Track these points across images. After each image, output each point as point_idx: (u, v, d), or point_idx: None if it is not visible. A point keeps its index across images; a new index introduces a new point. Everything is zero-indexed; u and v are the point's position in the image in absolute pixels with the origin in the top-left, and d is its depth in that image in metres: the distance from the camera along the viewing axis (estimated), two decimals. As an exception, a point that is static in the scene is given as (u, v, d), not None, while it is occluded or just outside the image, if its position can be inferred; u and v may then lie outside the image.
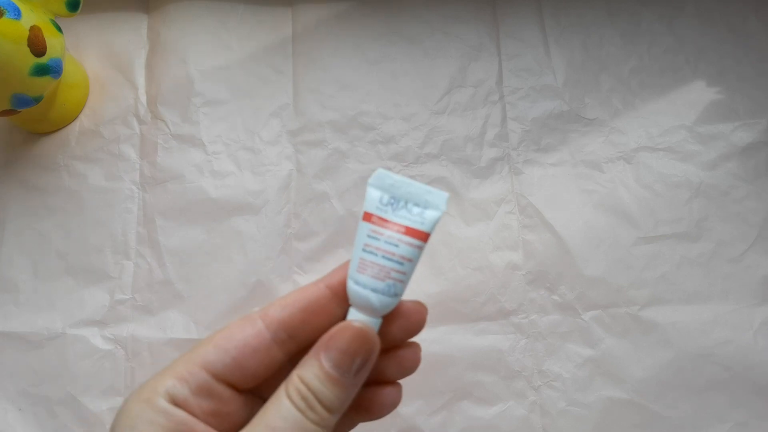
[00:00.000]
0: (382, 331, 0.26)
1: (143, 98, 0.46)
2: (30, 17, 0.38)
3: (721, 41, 0.45)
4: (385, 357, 0.27)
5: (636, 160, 0.43)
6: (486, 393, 0.40)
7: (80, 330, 0.42)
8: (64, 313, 0.42)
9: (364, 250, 0.24)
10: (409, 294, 0.41)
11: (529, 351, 0.40)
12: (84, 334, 0.42)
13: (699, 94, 0.44)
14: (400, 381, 0.28)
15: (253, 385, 0.26)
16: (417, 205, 0.25)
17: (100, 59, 0.47)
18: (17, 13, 0.37)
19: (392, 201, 0.25)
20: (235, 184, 0.44)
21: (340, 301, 0.26)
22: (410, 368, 0.28)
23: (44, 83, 0.40)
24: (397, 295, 0.25)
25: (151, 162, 0.45)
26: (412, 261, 0.24)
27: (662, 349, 0.40)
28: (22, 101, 0.40)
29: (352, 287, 0.24)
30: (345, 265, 0.26)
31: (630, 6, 0.46)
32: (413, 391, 0.39)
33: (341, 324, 0.24)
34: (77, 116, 0.46)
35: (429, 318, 0.40)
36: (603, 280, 0.41)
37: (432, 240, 0.41)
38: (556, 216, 0.42)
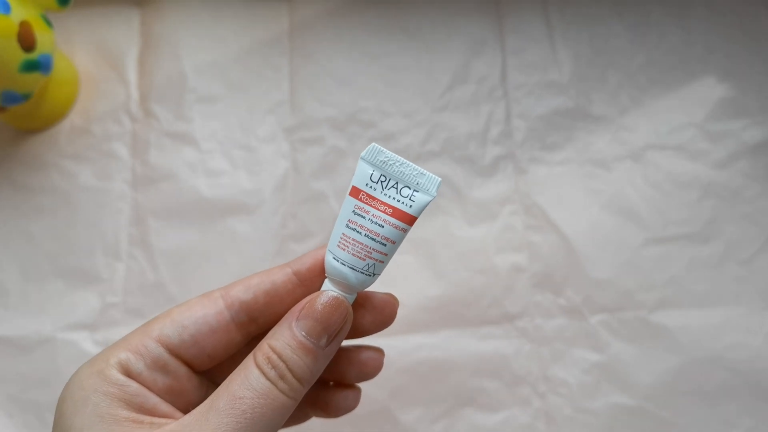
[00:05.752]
0: (354, 323, 0.26)
1: (135, 95, 0.46)
2: (20, 12, 0.38)
3: (732, 36, 0.45)
4: (347, 359, 0.28)
5: (644, 158, 0.43)
6: (489, 400, 0.39)
7: (70, 334, 0.42)
8: (53, 317, 0.42)
9: (347, 226, 0.24)
10: (409, 297, 0.41)
11: (534, 356, 0.40)
12: (74, 339, 0.41)
13: (709, 90, 0.44)
14: (360, 385, 0.29)
15: (209, 367, 0.26)
16: (408, 186, 0.25)
17: (91, 55, 0.47)
18: (7, 8, 0.36)
19: (383, 178, 0.25)
20: (229, 184, 0.44)
21: (306, 288, 0.26)
22: (371, 373, 0.29)
23: (33, 80, 0.40)
24: (375, 274, 0.25)
25: (143, 160, 0.45)
26: (395, 243, 0.25)
27: (671, 353, 0.40)
28: (11, 98, 0.40)
29: (330, 262, 0.25)
30: (314, 252, 0.26)
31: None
32: (413, 398, 0.39)
33: (316, 293, 0.24)
34: (67, 114, 0.46)
35: (430, 322, 0.40)
36: (610, 283, 0.41)
37: (433, 241, 0.41)
38: (561, 216, 0.42)
